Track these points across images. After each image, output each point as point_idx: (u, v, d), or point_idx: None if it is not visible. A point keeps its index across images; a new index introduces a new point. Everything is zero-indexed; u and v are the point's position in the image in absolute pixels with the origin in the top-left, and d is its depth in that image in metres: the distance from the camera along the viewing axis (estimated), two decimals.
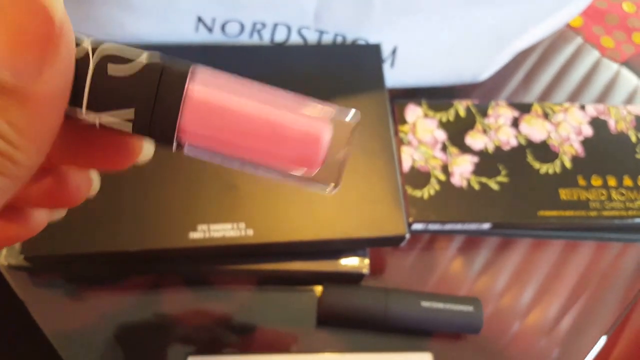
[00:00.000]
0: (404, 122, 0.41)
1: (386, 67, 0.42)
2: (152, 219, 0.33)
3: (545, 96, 0.47)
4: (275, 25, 0.39)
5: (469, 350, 0.38)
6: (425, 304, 0.37)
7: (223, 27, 0.39)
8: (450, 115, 0.41)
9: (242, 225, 0.33)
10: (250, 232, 0.33)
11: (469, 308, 0.37)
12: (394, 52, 0.42)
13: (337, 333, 0.37)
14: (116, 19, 0.37)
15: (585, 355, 0.39)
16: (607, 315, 0.40)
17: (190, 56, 0.38)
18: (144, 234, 0.32)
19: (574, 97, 0.48)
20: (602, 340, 0.40)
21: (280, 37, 0.40)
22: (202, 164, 0.35)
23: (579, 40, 0.51)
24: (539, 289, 0.40)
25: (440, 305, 0.37)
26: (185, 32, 0.38)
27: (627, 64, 0.51)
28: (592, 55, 0.51)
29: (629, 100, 0.48)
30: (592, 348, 0.39)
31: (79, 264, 0.35)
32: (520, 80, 0.48)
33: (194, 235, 0.32)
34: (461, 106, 0.42)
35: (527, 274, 0.40)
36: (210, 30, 0.38)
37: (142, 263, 0.35)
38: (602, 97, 0.48)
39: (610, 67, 0.50)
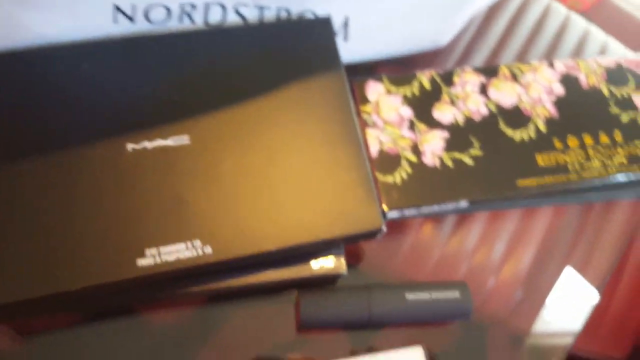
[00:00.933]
0: (365, 101, 0.37)
1: (339, 41, 0.38)
2: (91, 250, 0.28)
3: (510, 57, 0.44)
4: (206, 5, 0.34)
5: (460, 334, 0.35)
6: (410, 296, 0.34)
7: (146, 14, 0.33)
8: (414, 88, 0.38)
9: (198, 243, 0.29)
10: (208, 249, 0.29)
11: (455, 294, 0.34)
12: (345, 23, 0.37)
13: (320, 339, 0.34)
14: (18, 18, 0.31)
15: (583, 312, 0.37)
16: (599, 273, 0.39)
17: (111, 53, 0.33)
18: (83, 269, 0.28)
19: (541, 56, 0.45)
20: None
21: (214, 18, 0.35)
22: (139, 176, 0.30)
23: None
24: (511, 245, 0.38)
25: (425, 295, 0.34)
26: (102, 25, 0.32)
27: (587, 15, 0.48)
28: (557, 12, 0.48)
29: (602, 53, 0.46)
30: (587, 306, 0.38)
31: (17, 310, 0.30)
32: (482, 42, 0.44)
33: (143, 262, 0.28)
34: (425, 77, 0.38)
35: (499, 232, 0.38)
36: (131, 19, 0.33)
37: (92, 300, 0.31)
38: (570, 54, 0.45)
39: (576, 23, 0.47)
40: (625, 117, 0.40)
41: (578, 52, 0.47)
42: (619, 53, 0.48)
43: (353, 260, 0.37)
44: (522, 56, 0.45)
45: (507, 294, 0.37)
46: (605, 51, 0.48)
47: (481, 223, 0.39)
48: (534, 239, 0.39)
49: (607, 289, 0.63)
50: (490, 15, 0.46)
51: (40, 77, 0.31)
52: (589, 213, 0.41)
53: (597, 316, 0.62)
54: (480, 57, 0.44)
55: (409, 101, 0.37)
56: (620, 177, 0.38)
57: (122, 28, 0.33)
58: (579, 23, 0.48)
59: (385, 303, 0.34)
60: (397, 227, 0.38)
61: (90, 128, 0.31)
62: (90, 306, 0.32)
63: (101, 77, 0.32)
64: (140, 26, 0.33)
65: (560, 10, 0.48)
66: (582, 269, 0.39)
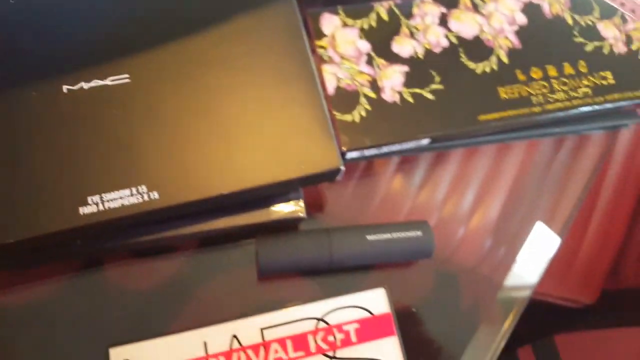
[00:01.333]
0: (321, 35, 0.35)
1: None
2: (30, 199, 0.26)
3: None
4: None
5: (421, 269, 0.35)
6: (371, 237, 0.33)
7: None
8: (372, 20, 0.36)
9: (144, 188, 0.27)
10: (155, 195, 0.27)
11: (417, 233, 0.34)
12: None
13: (281, 286, 0.34)
14: None
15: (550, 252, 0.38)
16: (567, 209, 0.39)
17: None
18: (23, 220, 0.26)
19: None
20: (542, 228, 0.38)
21: None
22: (77, 120, 0.28)
23: None
24: (480, 194, 0.38)
25: (387, 236, 0.34)
26: None
27: None
28: None
29: None
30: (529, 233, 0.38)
31: None
32: None
33: (85, 210, 0.26)
34: (383, 9, 0.36)
35: (468, 181, 0.38)
36: None
37: (33, 252, 0.29)
38: None
39: None
40: (589, 47, 0.39)
41: None
42: None
43: (315, 209, 0.36)
44: None
45: (476, 242, 0.37)
46: None
47: (451, 166, 0.39)
48: (503, 181, 0.39)
49: (575, 234, 0.64)
50: None
51: None
52: (556, 149, 0.40)
53: (566, 261, 0.64)
54: None
55: (367, 34, 0.35)
56: (586, 109, 0.37)
57: None
58: None
59: (346, 244, 0.33)
60: (361, 170, 0.37)
61: (23, 70, 0.29)
62: (41, 259, 0.31)
63: (31, 14, 0.29)
64: None
65: None
66: (549, 210, 0.39)
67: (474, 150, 0.39)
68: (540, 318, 0.62)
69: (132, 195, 0.27)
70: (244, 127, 0.30)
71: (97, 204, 0.26)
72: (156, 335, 0.29)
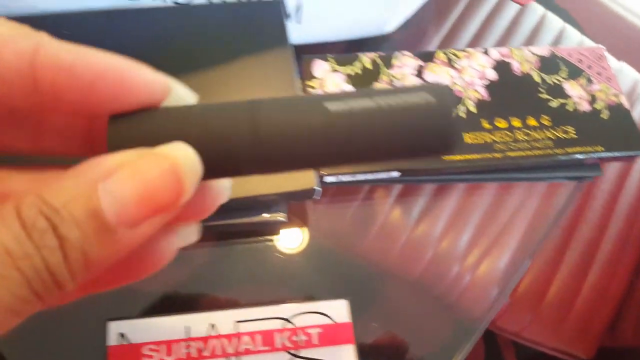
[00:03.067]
0: (311, 77, 0.41)
1: (293, 24, 0.42)
2: None
3: (449, 42, 0.49)
4: None
5: (386, 290, 0.40)
6: (335, 105, 0.15)
7: None
8: (357, 68, 0.42)
9: None
10: None
11: (424, 97, 0.15)
12: (299, 8, 0.42)
13: (257, 286, 0.39)
14: None
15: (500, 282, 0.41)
16: (516, 249, 0.43)
17: (96, 23, 0.38)
18: None
19: (479, 42, 0.49)
20: (524, 265, 0.42)
21: None
22: None
23: None
24: (446, 227, 0.42)
25: (366, 103, 0.15)
26: None
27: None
28: None
29: (533, 38, 0.50)
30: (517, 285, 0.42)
31: None
32: (429, 28, 0.49)
33: None
34: (367, 58, 0.42)
35: (435, 216, 0.42)
36: None
37: None
38: (506, 39, 0.50)
39: (512, 6, 0.51)
40: (554, 103, 0.44)
41: (532, 38, 0.50)
42: (575, 40, 0.51)
43: (311, 228, 0.41)
44: (476, 42, 0.49)
45: (443, 270, 0.41)
46: (561, 38, 0.51)
47: (423, 198, 0.43)
48: (470, 215, 0.43)
49: (572, 284, 0.64)
50: (445, 2, 0.50)
51: None
52: (512, 192, 0.45)
53: (561, 310, 0.63)
54: (435, 42, 0.48)
55: (352, 79, 0.42)
56: (546, 159, 0.41)
57: (103, 3, 0.38)
58: (537, 9, 0.52)
59: (286, 115, 0.15)
60: (364, 193, 0.42)
61: None
62: None
63: (79, 42, 0.37)
64: (120, 1, 0.38)
65: None
66: (500, 245, 0.43)
67: (447, 188, 0.44)
68: None
69: None
70: None
71: None
72: (147, 315, 0.34)
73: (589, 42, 0.52)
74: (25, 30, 0.14)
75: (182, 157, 0.13)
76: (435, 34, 0.49)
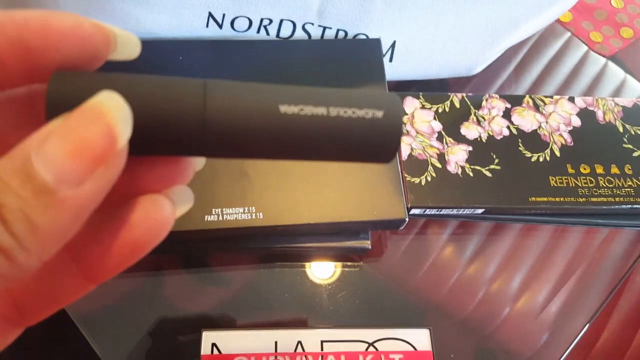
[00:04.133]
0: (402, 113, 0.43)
1: (385, 61, 0.45)
2: None
3: (534, 89, 0.50)
4: (281, 21, 0.41)
5: (461, 331, 0.40)
6: (288, 109, 0.15)
7: (232, 23, 0.41)
8: (446, 106, 0.44)
9: (253, 209, 0.35)
10: (260, 215, 0.35)
11: (373, 113, 0.16)
12: (392, 46, 0.44)
13: (340, 309, 0.40)
14: (131, 13, 0.39)
15: (572, 340, 0.41)
16: (593, 300, 0.43)
17: (202, 51, 0.41)
18: None
19: (562, 90, 0.50)
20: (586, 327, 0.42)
21: (285, 32, 0.42)
22: None
23: (568, 35, 0.53)
24: (529, 273, 0.43)
25: (319, 110, 0.16)
26: (196, 28, 0.40)
27: (614, 57, 0.53)
28: (581, 49, 0.53)
29: (616, 93, 0.51)
30: (578, 333, 0.42)
31: None
32: (511, 73, 0.50)
33: (209, 218, 0.35)
34: (456, 98, 0.44)
35: (518, 258, 0.43)
36: (220, 25, 0.41)
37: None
38: (590, 90, 0.51)
39: (598, 61, 0.52)
40: (637, 153, 0.44)
41: (594, 87, 0.51)
42: (637, 91, 0.52)
43: (373, 253, 0.42)
44: (538, 88, 0.50)
45: (496, 310, 0.41)
46: (622, 89, 0.52)
47: (484, 235, 0.44)
48: (534, 257, 0.43)
49: (623, 334, 0.63)
50: (519, 49, 0.52)
51: (146, 63, 0.39)
52: (593, 237, 0.45)
53: (584, 350, 0.62)
54: (499, 82, 0.50)
55: (440, 117, 0.43)
56: (627, 206, 0.42)
57: (211, 32, 0.41)
58: (599, 59, 0.53)
59: (236, 104, 0.15)
60: (420, 228, 0.44)
61: None
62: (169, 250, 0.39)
63: (192, 67, 0.40)
64: (226, 33, 0.41)
65: (583, 47, 0.53)
66: (578, 293, 0.43)
67: (530, 228, 0.44)
68: None
69: (244, 212, 0.35)
70: (333, 176, 0.38)
71: (218, 215, 0.35)
72: (239, 328, 0.36)
73: None
74: None
75: (109, 104, 0.13)
76: (514, 80, 0.50)
